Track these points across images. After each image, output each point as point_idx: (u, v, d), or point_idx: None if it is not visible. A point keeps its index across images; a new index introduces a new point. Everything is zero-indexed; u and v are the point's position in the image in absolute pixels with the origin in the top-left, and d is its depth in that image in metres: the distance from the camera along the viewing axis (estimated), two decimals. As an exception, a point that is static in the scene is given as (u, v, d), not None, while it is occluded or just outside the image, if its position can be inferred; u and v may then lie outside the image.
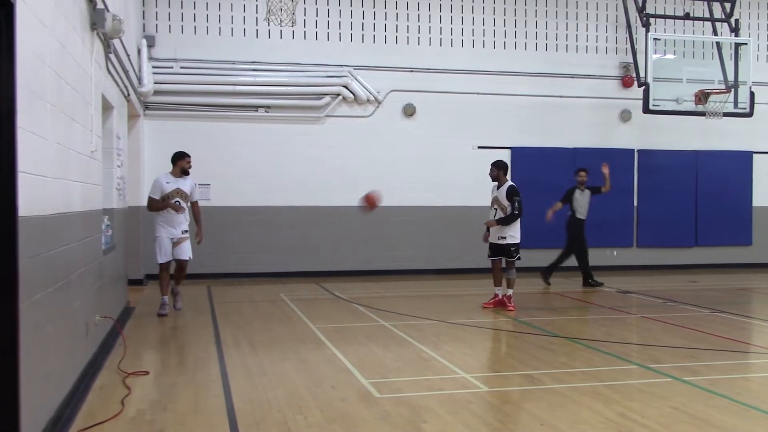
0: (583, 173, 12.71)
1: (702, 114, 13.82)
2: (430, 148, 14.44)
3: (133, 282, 11.70)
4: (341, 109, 14.13)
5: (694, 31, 15.03)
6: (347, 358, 7.18)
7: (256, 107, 13.76)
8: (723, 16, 14.62)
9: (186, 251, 9.79)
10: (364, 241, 14.19)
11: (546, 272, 13.08)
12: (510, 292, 10.20)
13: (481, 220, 14.71)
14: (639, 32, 14.33)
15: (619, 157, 15.02)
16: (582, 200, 12.63)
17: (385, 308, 10.26)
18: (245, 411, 5.49)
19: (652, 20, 14.13)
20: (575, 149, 14.96)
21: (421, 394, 5.92)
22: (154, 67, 13.11)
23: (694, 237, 15.59)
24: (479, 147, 14.64)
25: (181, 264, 9.88)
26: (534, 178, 14.61)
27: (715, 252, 15.63)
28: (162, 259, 9.69)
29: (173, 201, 9.57)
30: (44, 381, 4.71)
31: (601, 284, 12.74)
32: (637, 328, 8.98)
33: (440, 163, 14.46)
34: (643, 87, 13.55)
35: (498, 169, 10.25)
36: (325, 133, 14.03)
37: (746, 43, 13.92)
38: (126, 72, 9.99)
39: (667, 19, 14.68)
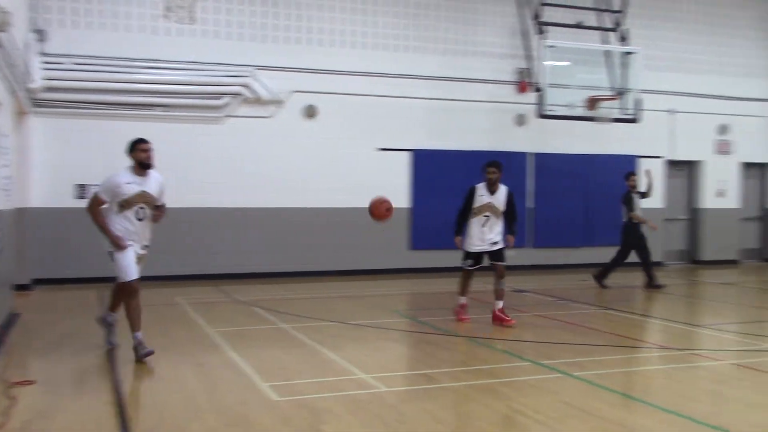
0: (633, 177, 13.18)
1: (593, 119, 14.42)
2: (332, 150, 14.46)
3: (19, 287, 11.18)
4: (242, 109, 13.95)
5: (587, 39, 15.60)
6: (246, 361, 7.10)
7: (153, 106, 13.40)
8: (613, 26, 15.31)
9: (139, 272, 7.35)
10: (265, 243, 14.06)
11: (600, 276, 13.21)
12: (501, 304, 9.28)
13: (390, 221, 15.00)
14: (535, 39, 14.79)
15: (515, 160, 15.47)
16: (637, 204, 13.01)
17: (287, 311, 10.20)
18: (139, 418, 5.35)
19: (547, 28, 14.64)
20: (473, 152, 15.29)
21: (320, 396, 5.93)
22: (45, 62, 12.56)
23: (586, 237, 16.22)
24: (381, 149, 14.78)
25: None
26: (434, 180, 14.90)
27: (605, 251, 16.25)
28: (131, 274, 7.15)
29: (136, 208, 7.17)
30: None
31: (664, 286, 12.91)
32: (530, 325, 9.26)
33: (342, 164, 14.50)
34: (538, 92, 14.03)
35: (501, 172, 9.20)
36: (225, 134, 13.81)
37: (635, 53, 14.61)
38: (13, 67, 9.54)
39: (561, 27, 15.20)
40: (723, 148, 17.49)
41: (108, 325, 7.68)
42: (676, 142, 16.89)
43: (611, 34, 15.33)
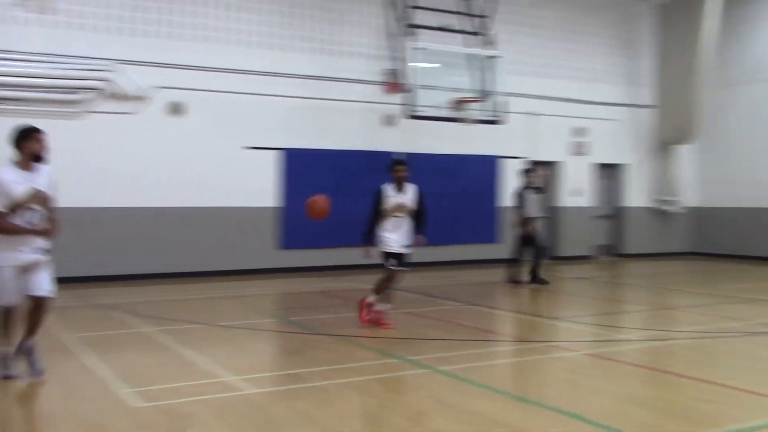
0: (531, 174, 13.33)
1: (459, 120, 14.84)
2: (198, 148, 14.10)
3: None
4: (104, 104, 13.35)
5: (454, 42, 16.02)
6: (104, 367, 6.81)
7: (5, 100, 12.57)
8: (479, 31, 15.83)
9: (43, 283, 6.27)
10: (127, 244, 13.51)
11: (533, 275, 13.23)
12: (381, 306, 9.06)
13: (253, 221, 14.87)
14: (403, 41, 15.03)
15: (384, 160, 15.65)
16: (529, 200, 13.16)
17: (151, 314, 9.87)
18: (-13, 431, 5.02)
19: (414, 30, 14.92)
20: (343, 151, 15.37)
21: (184, 400, 5.77)
22: None
23: (451, 235, 16.66)
24: (251, 147, 14.57)
25: (37, 304, 6.32)
26: (304, 179, 14.85)
27: (470, 249, 16.80)
28: (4, 299, 6.19)
29: (26, 212, 6.13)
30: None
31: (547, 282, 13.14)
32: (399, 322, 9.42)
33: (208, 163, 14.17)
34: (407, 93, 14.29)
35: (408, 170, 9.00)
36: (84, 130, 13.16)
37: (499, 57, 15.15)
38: None
39: (429, 30, 15.52)
40: (579, 150, 18.43)
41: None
42: (536, 144, 17.66)
43: (477, 37, 15.83)
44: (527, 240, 13.29)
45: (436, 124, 15.31)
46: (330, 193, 13.18)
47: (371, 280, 9.42)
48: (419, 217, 9.00)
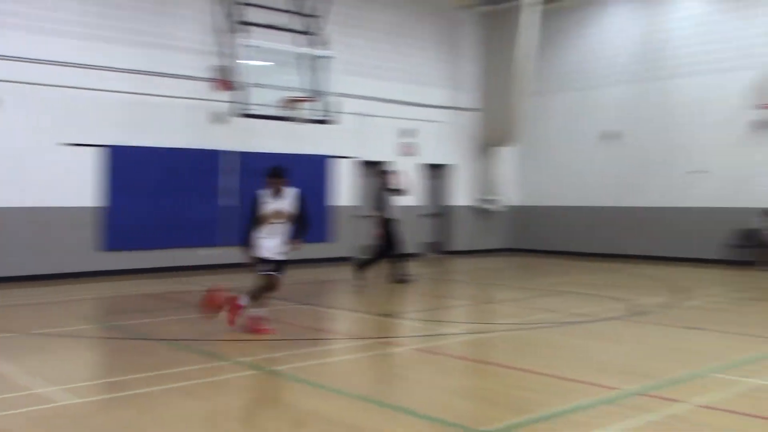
0: (389, 175, 13.23)
1: (290, 119, 14.80)
2: (12, 144, 13.13)
3: None
4: None
5: (286, 41, 15.94)
6: None
7: None
8: (311, 30, 15.86)
9: None
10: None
11: (398, 275, 13.21)
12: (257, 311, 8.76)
13: (72, 221, 14.01)
14: (232, 37, 14.77)
15: (213, 158, 15.38)
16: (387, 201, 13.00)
17: (-45, 322, 9.07)
18: None
19: (245, 27, 14.71)
20: (171, 149, 14.88)
21: (-4, 415, 5.36)
22: None
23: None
24: (71, 144, 13.74)
25: None
26: (130, 178, 14.24)
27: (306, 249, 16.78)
28: None
29: None
30: None
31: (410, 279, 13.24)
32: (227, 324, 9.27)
33: (23, 160, 13.23)
34: (237, 91, 14.06)
35: (283, 177, 8.70)
36: None
37: (331, 57, 15.26)
38: None
39: (260, 28, 15.35)
40: (407, 151, 18.97)
41: None
42: (367, 144, 17.98)
43: (309, 37, 15.87)
44: (386, 240, 13.41)
45: (267, 123, 15.18)
46: (158, 192, 12.81)
47: (208, 281, 9.19)
48: (301, 222, 8.68)
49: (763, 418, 5.40)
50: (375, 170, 14.02)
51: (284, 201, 8.59)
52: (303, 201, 8.68)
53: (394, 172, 14.02)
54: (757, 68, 16.37)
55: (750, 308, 11.38)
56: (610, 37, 19.65)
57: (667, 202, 18.36)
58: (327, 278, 13.92)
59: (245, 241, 8.54)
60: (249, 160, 15.97)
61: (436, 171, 19.98)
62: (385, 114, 18.28)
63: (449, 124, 19.96)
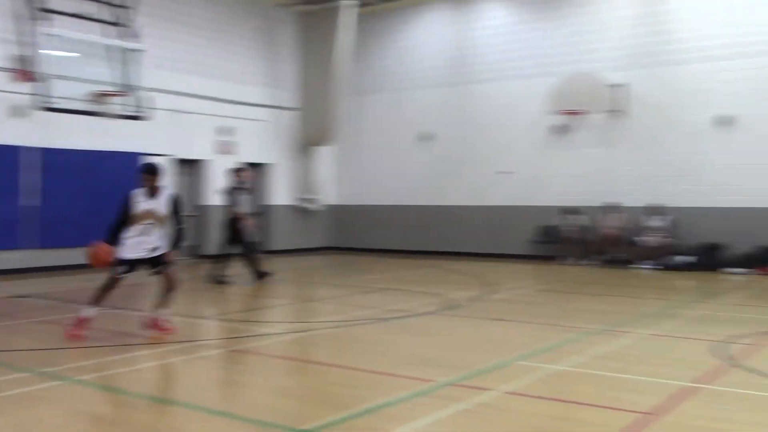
0: (241, 173, 13.07)
1: (99, 114, 14.04)
2: None
3: None
4: None
5: (94, 31, 15.08)
6: None
7: None
8: (121, 22, 15.12)
9: None
10: None
11: (256, 273, 13.24)
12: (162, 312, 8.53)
13: None
14: (36, 25, 13.77)
15: (12, 154, 14.27)
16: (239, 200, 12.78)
17: None
18: None
19: (51, 15, 13.75)
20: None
21: None
22: None
23: (88, 235, 15.60)
24: None
25: None
26: None
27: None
28: None
29: None
30: None
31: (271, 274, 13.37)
32: (29, 332, 8.63)
33: None
34: (38, 83, 13.12)
35: (157, 176, 8.28)
36: None
37: (143, 50, 14.64)
38: None
39: (66, 16, 14.42)
40: (226, 149, 18.62)
41: None
42: (182, 142, 17.43)
43: (118, 29, 15.12)
44: (237, 238, 13.21)
45: (73, 118, 14.33)
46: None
47: (8, 287, 8.50)
48: (175, 227, 8.38)
49: (561, 400, 5.82)
50: (227, 169, 14.01)
51: (157, 201, 8.28)
52: (176, 205, 8.38)
53: (245, 171, 13.83)
54: (556, 76, 17.64)
55: (551, 299, 12.26)
56: (424, 42, 20.40)
57: (477, 200, 19.36)
58: (139, 281, 13.34)
59: (111, 240, 8.21)
60: (53, 157, 14.96)
61: (256, 170, 19.72)
62: (203, 111, 17.84)
63: (269, 123, 19.83)
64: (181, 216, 8.48)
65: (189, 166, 18.13)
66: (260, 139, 19.60)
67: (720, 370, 6.82)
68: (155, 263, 8.38)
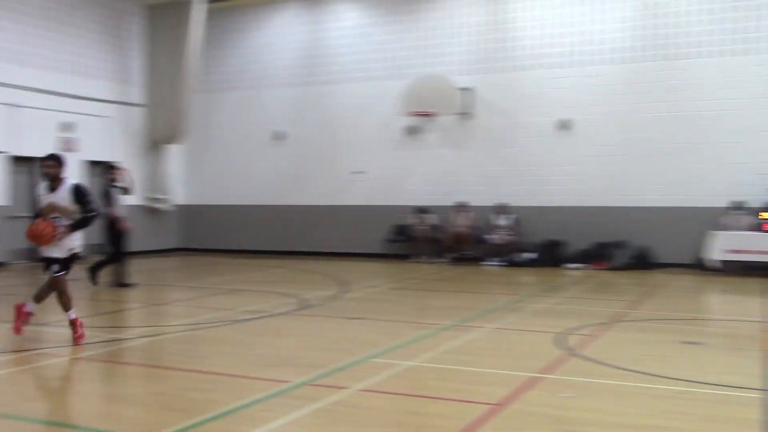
0: (115, 172, 12.35)
1: None
2: None
3: None
4: None
5: None
6: None
7: None
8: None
9: None
10: None
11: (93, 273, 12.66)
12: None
13: None
14: None
15: None
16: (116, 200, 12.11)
17: None
18: None
19: None
20: None
21: None
22: None
23: None
24: None
25: None
26: None
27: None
28: None
29: None
30: None
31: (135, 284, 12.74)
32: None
33: None
34: None
35: (60, 166, 7.80)
36: None
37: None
38: None
39: None
40: (68, 146, 17.64)
41: None
42: (18, 138, 16.37)
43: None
44: (115, 239, 12.68)
45: None
46: None
47: None
48: (82, 219, 7.82)
49: (415, 395, 5.97)
50: (103, 167, 13.30)
51: (58, 194, 7.80)
52: (82, 195, 7.81)
53: (121, 170, 13.19)
54: (407, 78, 18.04)
55: (404, 297, 12.53)
56: (277, 40, 20.25)
57: (332, 200, 19.45)
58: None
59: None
60: None
61: (101, 168, 18.85)
62: (42, 106, 16.82)
63: (115, 119, 19.00)
64: (90, 206, 7.88)
65: (27, 164, 17.03)
66: (105, 136, 18.73)
67: (561, 360, 7.23)
68: (73, 260, 8.04)
